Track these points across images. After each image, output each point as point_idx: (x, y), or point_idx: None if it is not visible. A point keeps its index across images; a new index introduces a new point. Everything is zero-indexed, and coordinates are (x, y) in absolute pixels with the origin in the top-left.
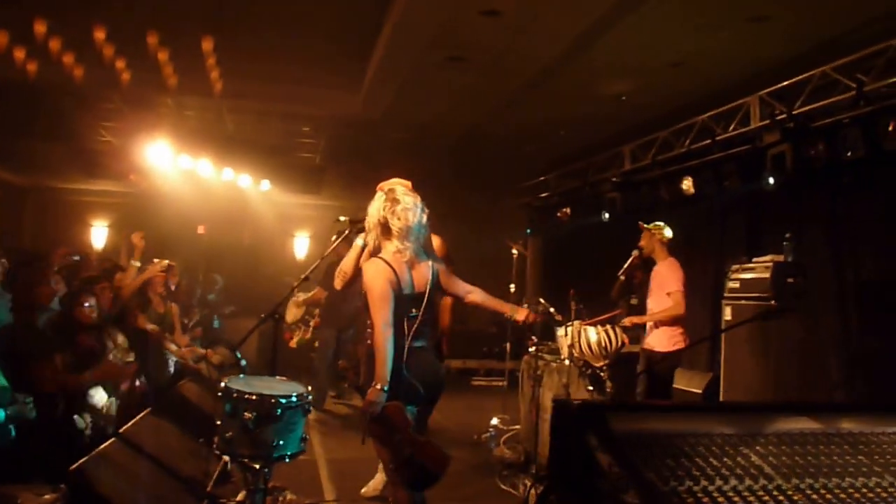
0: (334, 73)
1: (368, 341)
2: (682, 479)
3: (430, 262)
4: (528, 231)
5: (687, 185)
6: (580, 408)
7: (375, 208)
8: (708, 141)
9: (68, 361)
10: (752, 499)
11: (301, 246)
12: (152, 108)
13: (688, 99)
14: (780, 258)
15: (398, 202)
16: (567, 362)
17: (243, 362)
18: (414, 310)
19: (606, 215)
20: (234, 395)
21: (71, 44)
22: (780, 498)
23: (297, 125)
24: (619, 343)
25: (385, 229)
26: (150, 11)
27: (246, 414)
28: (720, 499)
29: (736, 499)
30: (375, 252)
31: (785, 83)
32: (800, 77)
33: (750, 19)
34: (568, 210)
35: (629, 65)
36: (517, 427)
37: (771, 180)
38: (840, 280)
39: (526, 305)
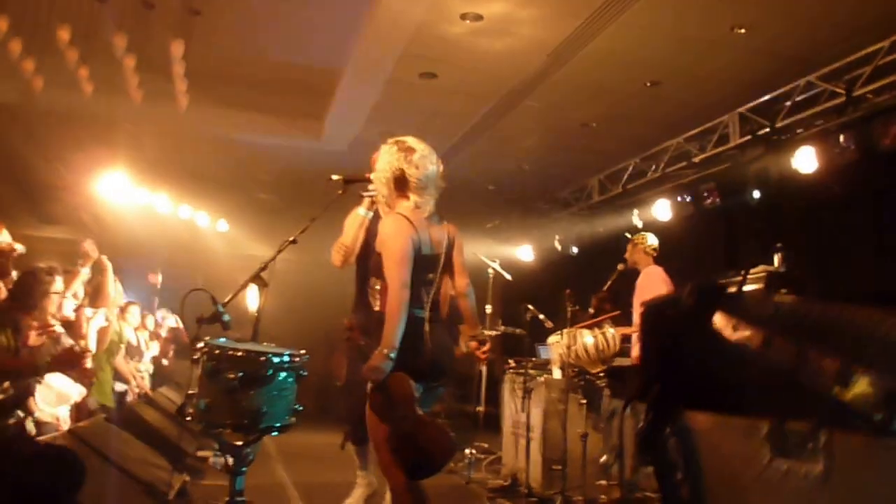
0: (300, 103)
1: (376, 307)
2: None
3: (445, 224)
4: (490, 272)
5: (661, 208)
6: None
7: (386, 161)
8: (683, 164)
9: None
10: None
11: (252, 297)
12: (111, 135)
13: (663, 121)
14: (773, 268)
15: (413, 150)
16: (558, 374)
17: (226, 317)
18: (430, 274)
19: (575, 249)
20: (217, 351)
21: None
22: None
23: (258, 159)
24: (617, 346)
25: (400, 183)
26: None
27: (229, 374)
28: None
29: None
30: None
31: (766, 97)
32: (783, 89)
33: (733, 27)
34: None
35: (605, 83)
36: (495, 455)
37: (756, 194)
38: (824, 291)
39: (501, 326)
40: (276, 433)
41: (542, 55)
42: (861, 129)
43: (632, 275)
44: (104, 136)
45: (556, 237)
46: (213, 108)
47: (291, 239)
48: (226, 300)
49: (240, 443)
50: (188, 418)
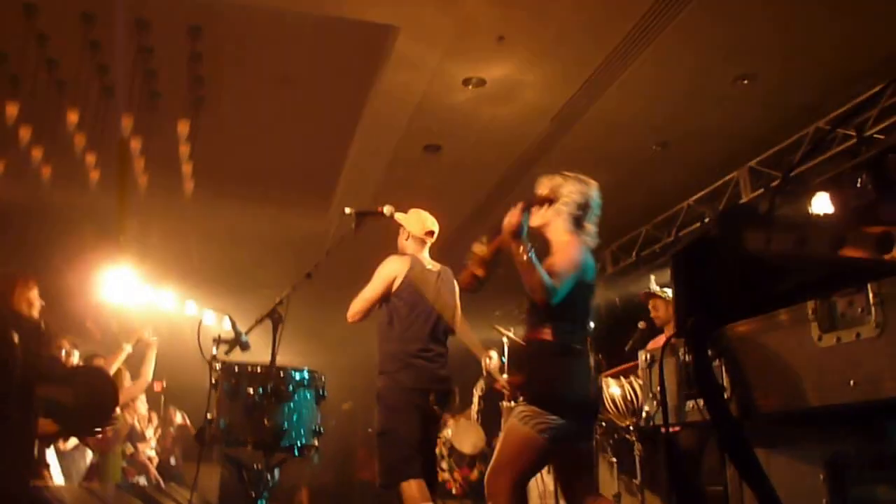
0: (306, 192)
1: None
2: None
3: None
4: (505, 341)
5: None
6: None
7: (576, 189)
8: (697, 225)
9: None
10: None
11: None
12: (116, 228)
13: (673, 185)
14: None
15: (593, 185)
16: None
17: (245, 337)
18: (589, 303)
19: (591, 324)
20: (236, 369)
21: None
22: None
23: (264, 251)
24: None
25: (583, 212)
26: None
27: (249, 390)
28: None
29: None
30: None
31: (776, 148)
32: (793, 138)
33: (736, 79)
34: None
35: (611, 148)
36: None
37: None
38: None
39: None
40: (296, 453)
41: (545, 120)
42: (878, 166)
43: (655, 334)
44: (109, 230)
45: None
46: (218, 200)
47: (307, 273)
48: (245, 331)
49: (259, 466)
50: (208, 441)
